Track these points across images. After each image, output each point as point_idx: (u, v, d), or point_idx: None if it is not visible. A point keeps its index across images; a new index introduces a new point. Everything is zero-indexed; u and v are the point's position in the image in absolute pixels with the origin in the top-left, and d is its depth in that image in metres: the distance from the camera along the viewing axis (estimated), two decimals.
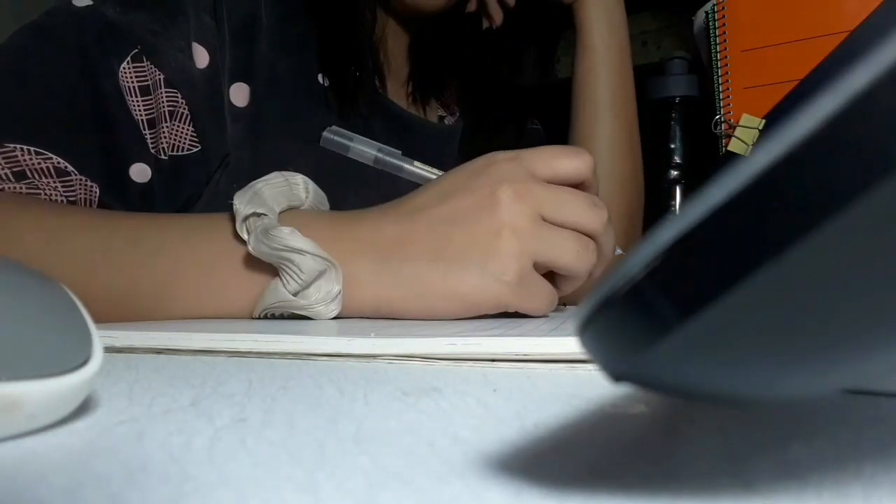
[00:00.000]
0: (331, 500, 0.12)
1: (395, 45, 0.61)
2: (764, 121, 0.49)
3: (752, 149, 0.49)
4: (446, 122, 0.66)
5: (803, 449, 0.14)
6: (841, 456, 0.13)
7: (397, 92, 0.62)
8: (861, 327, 0.09)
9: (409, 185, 0.57)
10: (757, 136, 0.49)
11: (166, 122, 0.46)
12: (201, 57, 0.48)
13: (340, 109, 0.54)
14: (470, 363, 0.26)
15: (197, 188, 0.49)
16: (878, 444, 0.14)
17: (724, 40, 0.50)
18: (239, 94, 0.50)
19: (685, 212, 0.09)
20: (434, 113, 0.65)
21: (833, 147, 0.08)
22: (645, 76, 0.79)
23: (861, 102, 0.08)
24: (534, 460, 0.14)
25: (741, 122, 0.49)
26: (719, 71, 0.50)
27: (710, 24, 0.51)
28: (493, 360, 0.26)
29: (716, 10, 0.50)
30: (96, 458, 0.14)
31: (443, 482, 0.12)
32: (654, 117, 0.76)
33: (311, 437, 0.16)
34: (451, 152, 0.64)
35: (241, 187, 0.50)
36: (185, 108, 0.47)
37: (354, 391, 0.20)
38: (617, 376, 0.11)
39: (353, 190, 0.53)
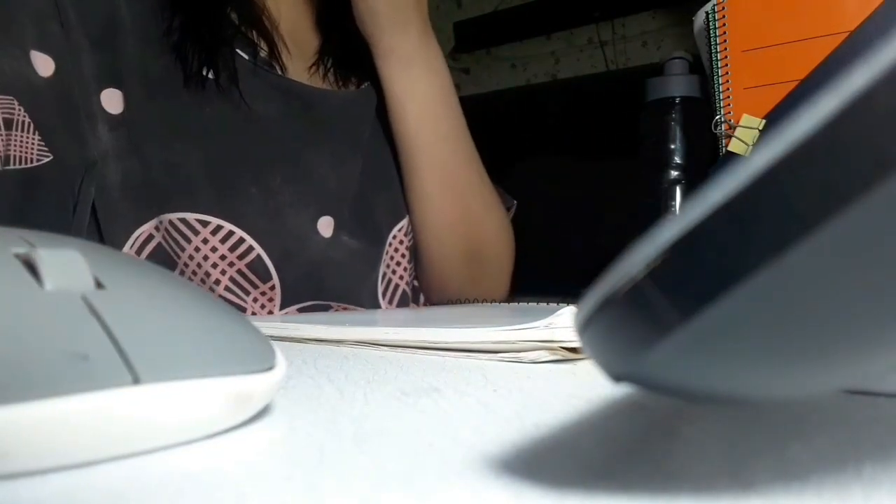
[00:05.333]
0: (331, 499, 0.12)
1: (292, 18, 0.58)
2: (764, 121, 0.49)
3: (753, 149, 0.49)
4: (361, 87, 0.62)
5: (803, 449, 0.14)
6: (841, 456, 0.13)
7: (301, 69, 0.58)
8: (861, 327, 0.09)
9: (319, 164, 0.55)
10: (757, 136, 0.49)
11: (2, 131, 0.44)
12: (44, 65, 0.46)
13: (230, 99, 0.51)
14: (467, 361, 0.26)
15: (61, 198, 0.47)
16: (878, 444, 0.14)
17: (725, 40, 0.50)
18: (112, 100, 0.48)
19: (685, 212, 0.09)
20: (350, 84, 0.62)
21: (833, 147, 0.08)
22: (645, 76, 0.79)
23: (861, 102, 0.08)
24: (534, 460, 0.14)
25: (741, 123, 0.49)
26: (719, 71, 0.50)
27: (710, 24, 0.51)
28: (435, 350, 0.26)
29: (716, 10, 0.50)
30: (100, 464, 0.14)
31: (443, 482, 0.12)
32: (654, 117, 0.76)
33: (311, 437, 0.16)
34: (366, 117, 0.61)
35: (138, 197, 0.47)
36: (24, 116, 0.45)
37: (354, 391, 0.20)
38: (617, 376, 0.11)
39: (253, 181, 0.51)
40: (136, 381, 0.14)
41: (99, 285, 0.16)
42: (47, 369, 0.13)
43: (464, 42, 1.84)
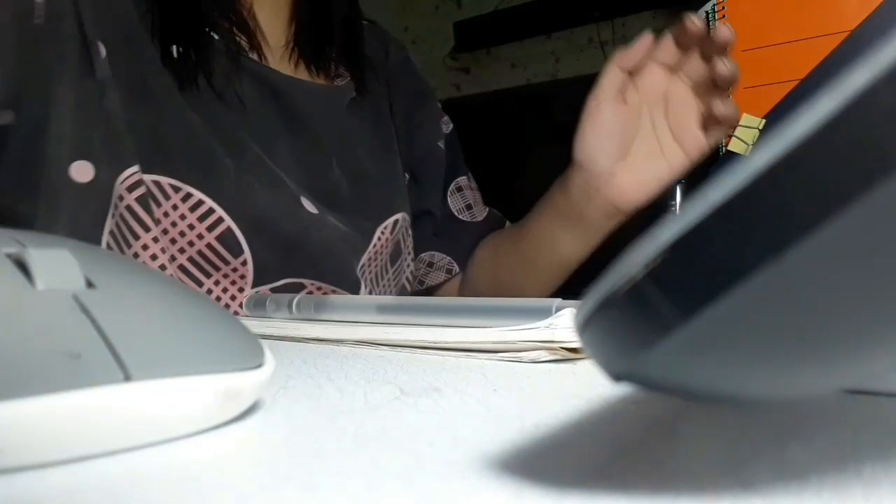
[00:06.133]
0: (331, 499, 0.12)
1: (268, 5, 0.57)
2: (764, 121, 0.49)
3: (753, 149, 0.49)
4: (337, 83, 0.61)
5: (803, 449, 0.14)
6: (841, 456, 0.13)
7: (275, 57, 0.57)
8: (861, 327, 0.09)
9: (288, 152, 0.54)
10: (757, 136, 0.49)
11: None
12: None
13: (197, 81, 0.50)
14: (467, 360, 0.26)
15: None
16: (878, 444, 0.14)
17: None
18: (100, 51, 0.48)
19: (685, 212, 0.09)
20: (329, 78, 0.60)
21: (833, 147, 0.08)
22: None
23: (861, 102, 0.08)
24: (534, 460, 0.14)
25: (741, 122, 0.49)
26: None
27: (710, 24, 0.51)
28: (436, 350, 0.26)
29: (716, 10, 0.50)
30: (97, 459, 0.14)
31: (443, 482, 0.12)
32: None
33: (311, 437, 0.16)
34: (338, 112, 0.59)
35: (129, 142, 0.47)
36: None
37: (354, 391, 0.20)
38: (617, 376, 0.11)
39: (227, 154, 0.50)
40: (128, 378, 0.14)
41: (90, 284, 0.16)
42: (40, 367, 0.13)
43: (464, 42, 1.84)
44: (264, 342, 0.19)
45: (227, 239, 0.49)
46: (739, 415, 0.17)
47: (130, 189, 0.47)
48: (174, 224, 0.48)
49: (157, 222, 0.48)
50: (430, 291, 0.68)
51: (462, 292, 0.67)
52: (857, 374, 0.11)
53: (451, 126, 0.70)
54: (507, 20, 1.77)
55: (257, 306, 0.41)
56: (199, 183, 0.49)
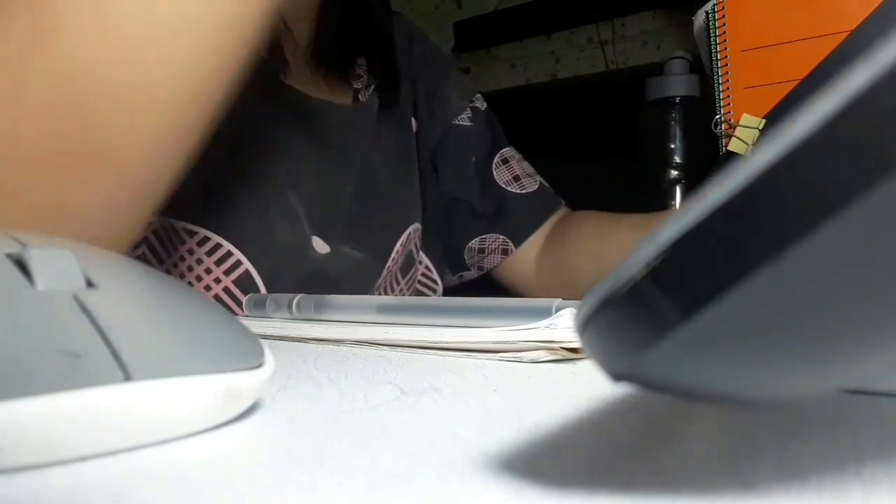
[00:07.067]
0: (331, 499, 0.12)
1: (294, 16, 0.54)
2: (764, 121, 0.49)
3: (753, 149, 0.49)
4: (360, 97, 0.58)
5: (803, 449, 0.14)
6: (841, 456, 0.13)
7: (300, 72, 0.56)
8: (861, 327, 0.09)
9: (311, 178, 0.52)
10: (757, 136, 0.49)
11: None
12: None
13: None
14: (467, 360, 0.26)
15: None
16: (878, 444, 0.14)
17: (724, 40, 0.50)
18: None
19: (685, 211, 0.09)
20: (349, 90, 0.58)
21: (833, 147, 0.08)
22: (645, 76, 0.79)
23: (861, 102, 0.08)
24: (534, 460, 0.14)
25: (741, 122, 0.49)
26: (719, 71, 0.50)
27: (710, 24, 0.51)
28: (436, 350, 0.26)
29: (716, 10, 0.50)
30: (97, 459, 0.14)
31: (443, 482, 0.12)
32: (654, 117, 0.76)
33: (311, 437, 0.16)
34: (364, 132, 0.58)
35: None
36: None
37: (354, 391, 0.20)
38: (617, 376, 0.11)
39: (246, 193, 0.49)
40: (128, 378, 0.14)
41: (90, 284, 0.16)
42: (40, 367, 0.13)
43: (464, 42, 1.84)
44: (264, 342, 0.19)
45: (244, 282, 0.48)
46: (739, 415, 0.17)
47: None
48: (190, 268, 0.47)
49: (175, 266, 0.47)
50: (489, 275, 0.65)
51: (551, 273, 0.65)
52: (857, 374, 0.11)
53: (485, 104, 0.68)
54: (507, 20, 1.77)
55: (257, 306, 0.41)
56: (214, 226, 0.47)
